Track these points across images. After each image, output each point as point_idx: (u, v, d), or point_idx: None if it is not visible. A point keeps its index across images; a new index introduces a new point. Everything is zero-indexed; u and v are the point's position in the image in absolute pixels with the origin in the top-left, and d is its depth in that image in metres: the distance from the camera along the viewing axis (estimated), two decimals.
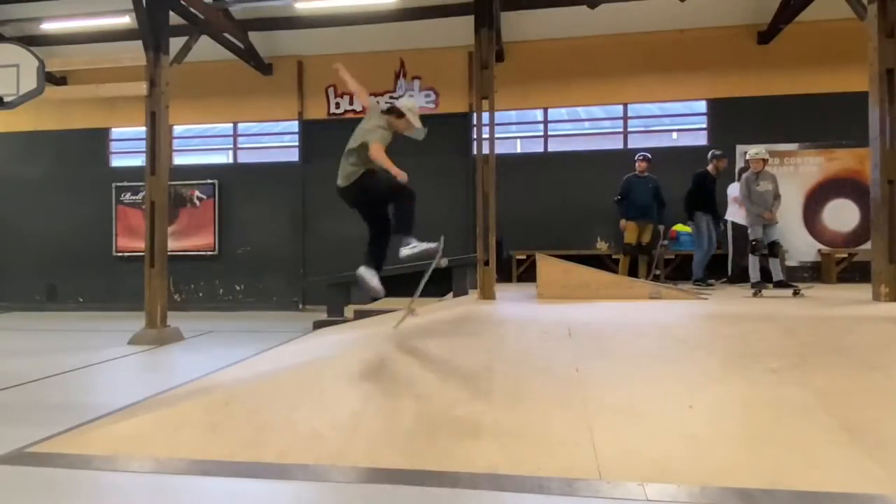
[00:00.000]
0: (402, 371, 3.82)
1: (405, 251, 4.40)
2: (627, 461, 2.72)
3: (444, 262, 4.57)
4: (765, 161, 6.93)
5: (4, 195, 11.35)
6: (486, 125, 6.57)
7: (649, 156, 8.48)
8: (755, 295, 6.58)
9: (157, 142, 7.16)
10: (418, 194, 4.43)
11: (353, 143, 4.53)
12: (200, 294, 10.83)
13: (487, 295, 6.43)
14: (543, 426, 3.08)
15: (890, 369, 3.52)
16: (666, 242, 8.92)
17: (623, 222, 8.42)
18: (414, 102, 4.68)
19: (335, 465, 2.81)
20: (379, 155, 4.30)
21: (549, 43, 9.73)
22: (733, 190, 8.32)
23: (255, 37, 9.95)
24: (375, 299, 4.75)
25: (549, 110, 10.07)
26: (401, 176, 4.21)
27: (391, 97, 10.18)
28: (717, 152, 8.11)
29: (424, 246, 4.41)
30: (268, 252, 10.59)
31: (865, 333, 4.27)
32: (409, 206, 4.47)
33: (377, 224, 4.76)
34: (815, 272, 9.03)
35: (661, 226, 8.52)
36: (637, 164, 8.43)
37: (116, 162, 11.26)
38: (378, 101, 4.91)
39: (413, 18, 9.22)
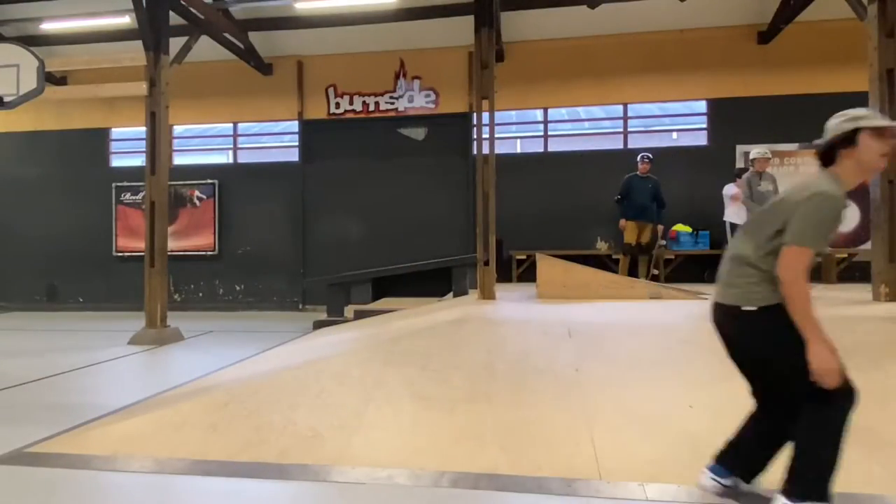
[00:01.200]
0: (403, 371, 3.82)
1: None
2: (627, 461, 2.73)
3: None
4: (768, 160, 6.94)
5: (4, 195, 11.35)
6: (486, 125, 6.57)
7: (651, 157, 8.48)
8: None
9: (157, 142, 7.17)
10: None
11: (765, 226, 2.27)
12: (200, 294, 10.83)
13: (487, 295, 6.43)
14: (543, 426, 3.08)
15: (890, 369, 3.52)
16: (664, 242, 8.91)
17: (622, 222, 8.42)
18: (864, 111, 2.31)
19: (335, 465, 2.81)
20: (796, 285, 2.12)
21: (549, 43, 9.73)
22: (729, 190, 8.31)
23: (255, 37, 9.95)
24: None
25: (549, 110, 10.06)
26: (826, 364, 2.07)
27: (392, 97, 10.19)
28: None
29: None
30: (268, 252, 10.58)
31: (865, 333, 4.27)
32: (835, 417, 2.14)
33: (773, 401, 2.44)
34: (815, 272, 9.00)
35: (660, 226, 8.53)
36: (640, 166, 8.41)
37: (116, 162, 11.26)
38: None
39: (413, 18, 9.23)
